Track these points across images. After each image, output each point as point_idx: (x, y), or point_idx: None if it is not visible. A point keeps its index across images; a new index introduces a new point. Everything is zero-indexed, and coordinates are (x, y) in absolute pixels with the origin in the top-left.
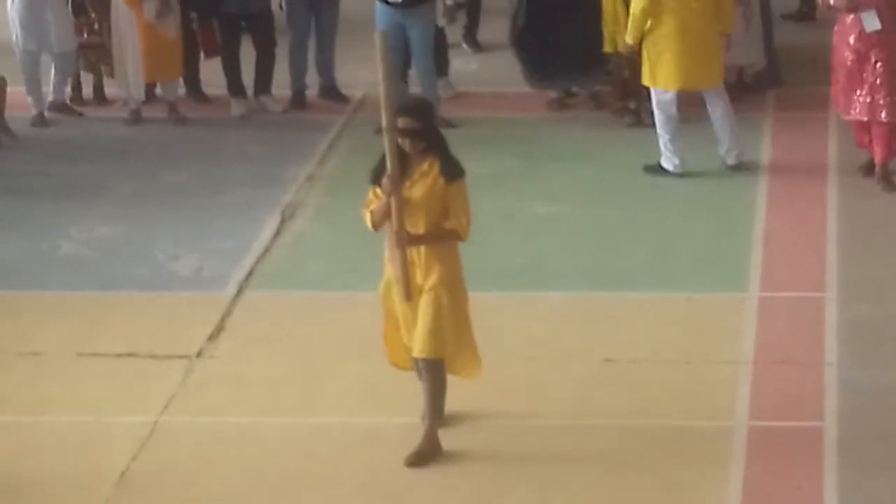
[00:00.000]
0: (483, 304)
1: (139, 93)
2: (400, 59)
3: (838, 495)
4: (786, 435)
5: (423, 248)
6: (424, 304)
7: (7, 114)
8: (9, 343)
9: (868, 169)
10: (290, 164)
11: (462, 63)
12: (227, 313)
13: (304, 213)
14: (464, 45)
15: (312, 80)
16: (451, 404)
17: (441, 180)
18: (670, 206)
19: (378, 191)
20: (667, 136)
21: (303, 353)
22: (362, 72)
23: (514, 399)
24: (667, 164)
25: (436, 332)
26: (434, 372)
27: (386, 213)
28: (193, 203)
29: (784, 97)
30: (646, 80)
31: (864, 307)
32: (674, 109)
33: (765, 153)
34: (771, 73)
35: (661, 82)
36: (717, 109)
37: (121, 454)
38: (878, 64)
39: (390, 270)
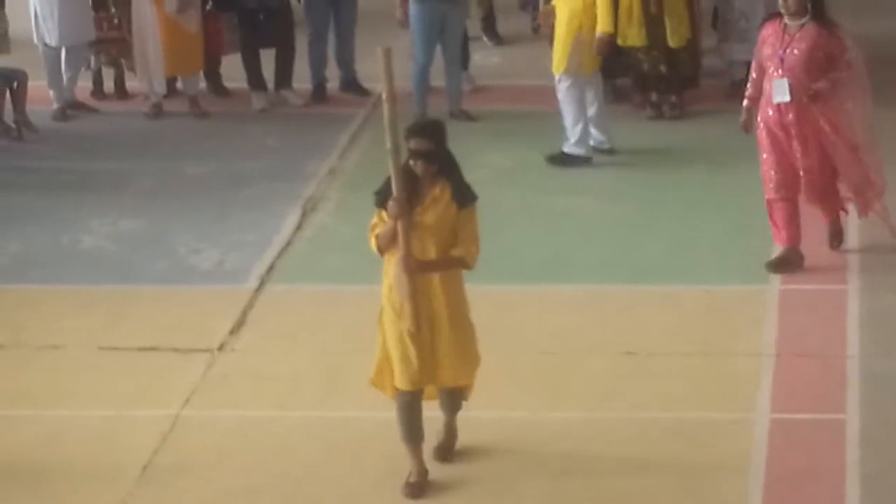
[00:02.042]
0: (503, 297)
1: (160, 87)
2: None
3: (860, 488)
4: (808, 427)
5: (436, 277)
6: (449, 336)
7: (28, 108)
8: (30, 336)
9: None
10: (312, 158)
11: (483, 56)
12: (249, 307)
13: (325, 206)
14: (484, 38)
15: (333, 74)
16: (472, 397)
17: (453, 206)
18: (690, 199)
19: (384, 214)
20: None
21: (324, 347)
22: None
23: (534, 392)
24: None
25: (467, 361)
26: (458, 393)
27: (393, 238)
28: (215, 197)
29: None
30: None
31: (886, 298)
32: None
33: None
34: None
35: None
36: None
37: (142, 447)
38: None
39: (392, 298)
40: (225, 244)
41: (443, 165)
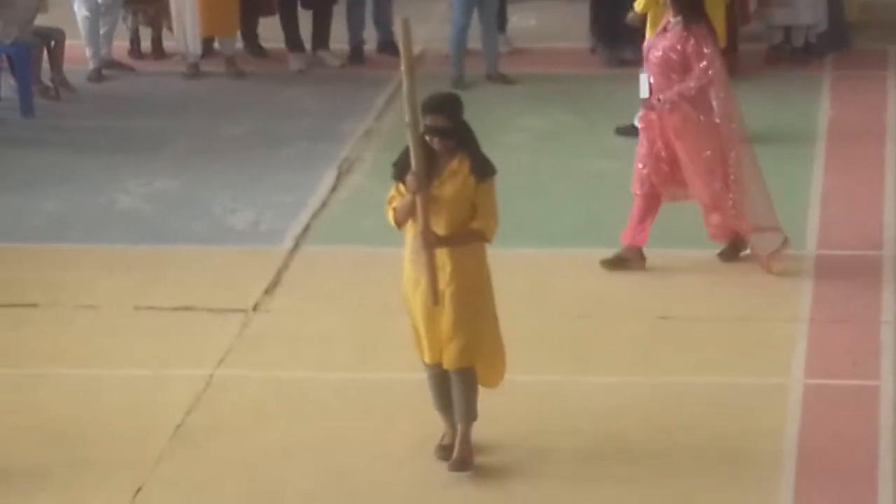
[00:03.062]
0: (538, 261)
1: (197, 47)
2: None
3: (894, 453)
4: (841, 393)
5: (448, 250)
6: (452, 311)
7: (66, 67)
8: (67, 296)
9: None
10: (348, 119)
11: (520, 19)
12: (284, 268)
13: (361, 168)
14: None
15: (370, 36)
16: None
17: (471, 179)
18: None
19: (402, 187)
20: None
21: (358, 308)
22: (420, 26)
23: (568, 356)
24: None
25: (467, 341)
26: (466, 379)
27: (410, 212)
28: (251, 157)
29: (844, 56)
30: None
31: None
32: None
33: (823, 112)
34: (834, 34)
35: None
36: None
37: (176, 407)
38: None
39: (410, 271)
40: (260, 205)
41: (460, 140)
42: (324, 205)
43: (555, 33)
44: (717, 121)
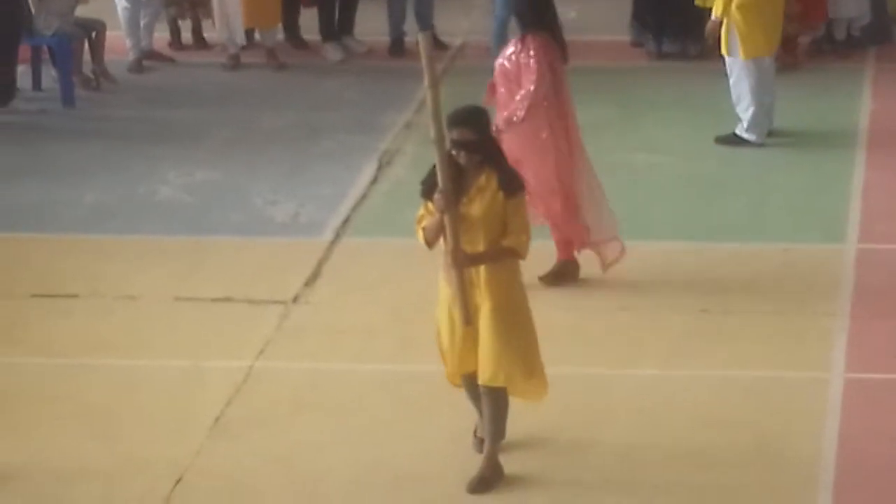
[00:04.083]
0: (581, 253)
1: (239, 38)
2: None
3: None
4: (882, 387)
5: (481, 268)
6: (488, 330)
7: (106, 58)
8: (107, 287)
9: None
10: (388, 111)
11: (560, 12)
12: (324, 259)
13: (401, 160)
14: None
15: (411, 28)
16: (542, 357)
17: (500, 195)
18: (769, 157)
19: (430, 206)
20: (756, 106)
21: (398, 300)
22: (461, 19)
23: (609, 348)
24: (748, 133)
25: (503, 360)
26: (498, 397)
27: (440, 231)
28: (291, 149)
29: (887, 50)
30: (734, 53)
31: None
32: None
33: (864, 105)
34: (877, 28)
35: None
36: None
37: (216, 399)
38: None
39: (445, 290)
40: (301, 196)
41: (487, 154)
42: (364, 197)
43: (595, 26)
44: (552, 137)
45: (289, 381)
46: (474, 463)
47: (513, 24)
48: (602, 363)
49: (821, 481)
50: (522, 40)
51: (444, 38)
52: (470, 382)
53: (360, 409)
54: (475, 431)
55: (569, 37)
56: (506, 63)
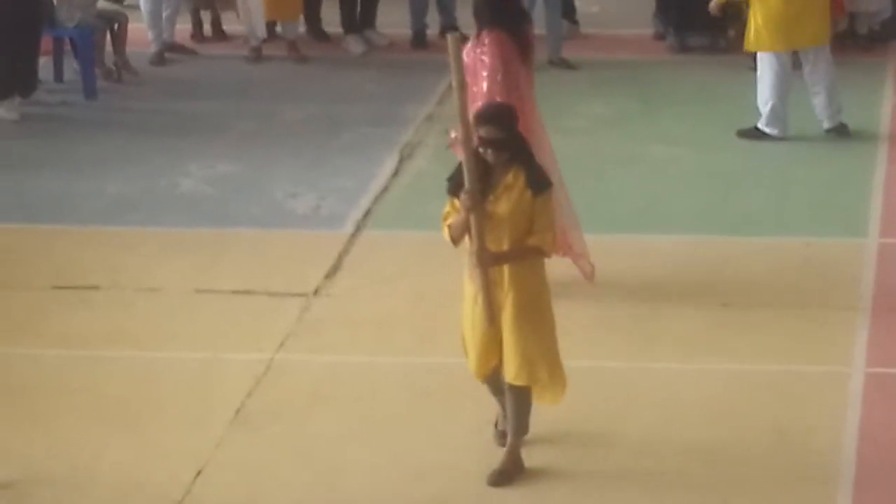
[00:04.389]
0: (600, 246)
1: (260, 31)
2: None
3: None
4: None
5: (505, 267)
6: (512, 328)
7: (128, 50)
8: (128, 279)
9: None
10: (410, 104)
11: (583, 4)
12: (345, 252)
13: (422, 152)
14: None
15: (433, 20)
16: (562, 349)
17: (527, 193)
18: (790, 151)
19: (456, 203)
20: (775, 100)
21: (418, 293)
22: None
23: (628, 341)
24: (769, 127)
25: (530, 359)
26: (522, 394)
27: (465, 229)
28: (312, 141)
29: None
30: (751, 46)
31: None
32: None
33: (886, 99)
34: None
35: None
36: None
37: (236, 391)
38: None
39: (470, 288)
40: (322, 189)
41: (514, 152)
42: (385, 189)
43: (617, 19)
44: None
45: (309, 373)
46: (494, 455)
47: (537, 17)
48: (622, 356)
49: (841, 476)
50: (478, 37)
51: (466, 31)
52: (492, 376)
53: (380, 401)
54: (496, 423)
55: (590, 31)
56: (467, 60)
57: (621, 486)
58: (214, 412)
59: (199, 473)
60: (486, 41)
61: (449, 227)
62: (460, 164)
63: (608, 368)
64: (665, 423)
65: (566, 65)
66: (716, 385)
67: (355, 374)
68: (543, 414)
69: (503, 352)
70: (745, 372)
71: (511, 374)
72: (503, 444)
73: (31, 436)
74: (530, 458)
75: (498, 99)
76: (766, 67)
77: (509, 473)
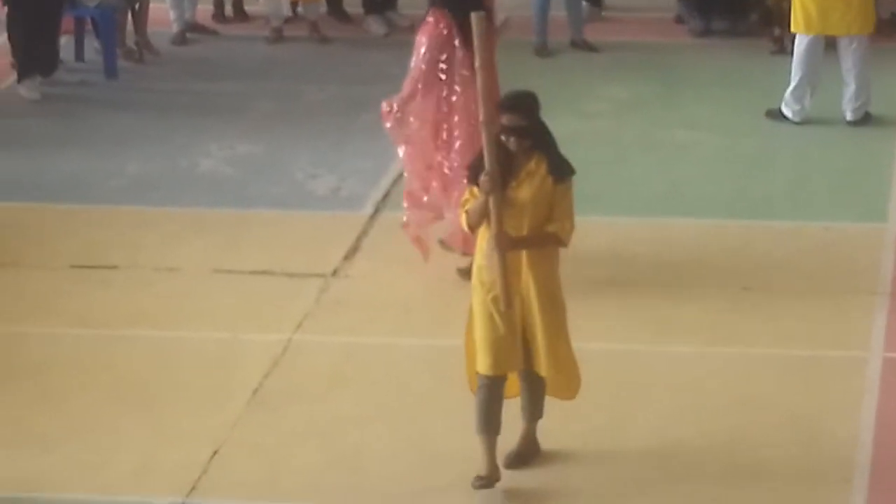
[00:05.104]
0: (620, 230)
1: (281, 11)
2: None
3: None
4: None
5: (524, 257)
6: (531, 316)
7: (150, 30)
8: (147, 258)
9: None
10: None
11: None
12: (364, 233)
13: None
14: None
15: None
16: (582, 332)
17: (549, 180)
18: (811, 135)
19: (475, 190)
20: (794, 82)
21: (437, 275)
22: None
23: (648, 325)
24: (786, 110)
25: (548, 348)
26: (541, 381)
27: (484, 214)
28: (333, 123)
29: None
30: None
31: None
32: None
33: None
34: None
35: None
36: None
37: (254, 371)
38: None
39: (479, 275)
40: (342, 170)
41: (537, 139)
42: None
43: (639, 2)
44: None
45: (327, 354)
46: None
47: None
48: (641, 340)
49: (857, 461)
50: (426, 15)
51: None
52: (490, 386)
53: (398, 383)
54: (478, 475)
55: (613, 14)
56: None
57: (638, 469)
58: (232, 392)
59: (215, 453)
60: (428, 20)
61: (467, 212)
62: (480, 153)
63: (627, 351)
64: (683, 406)
65: (588, 47)
66: (734, 369)
67: (374, 355)
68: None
69: (534, 345)
70: (764, 356)
71: (545, 365)
72: (483, 486)
73: (49, 414)
74: (546, 440)
75: (418, 79)
76: (797, 48)
77: (525, 456)
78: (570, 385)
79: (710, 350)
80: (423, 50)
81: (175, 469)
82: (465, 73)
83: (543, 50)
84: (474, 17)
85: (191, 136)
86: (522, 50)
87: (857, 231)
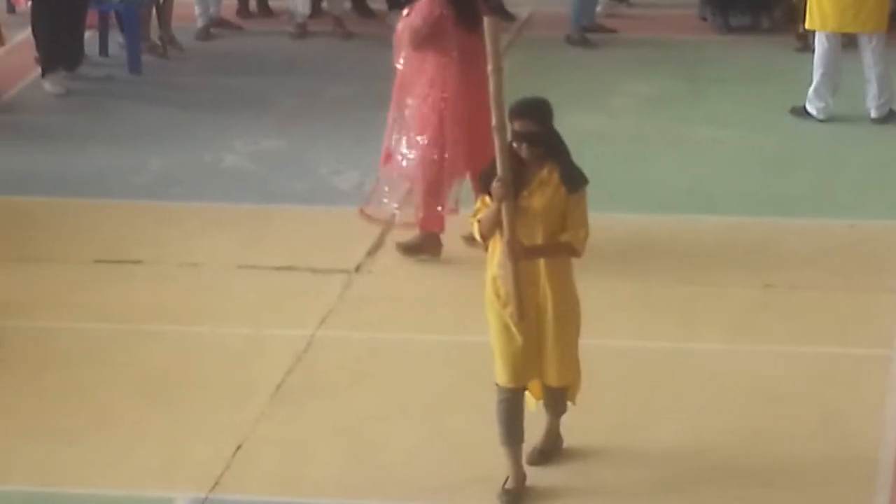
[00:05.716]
0: (644, 226)
1: (305, 7)
2: None
3: None
4: None
5: (541, 267)
6: (552, 329)
7: (174, 25)
8: (170, 254)
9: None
10: None
11: None
12: (387, 229)
13: None
14: None
15: None
16: (605, 330)
17: (562, 189)
18: (836, 132)
19: (487, 199)
20: (816, 80)
21: (461, 271)
22: None
23: (671, 322)
24: (810, 107)
25: (568, 363)
26: (562, 395)
27: (496, 222)
28: (356, 118)
29: None
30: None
31: None
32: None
33: None
34: None
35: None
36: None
37: (277, 366)
38: None
39: (493, 286)
40: (365, 166)
41: (549, 147)
42: None
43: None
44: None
45: (350, 350)
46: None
47: None
48: (665, 337)
49: (882, 459)
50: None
51: (511, 9)
52: (510, 399)
53: (421, 379)
54: (505, 482)
55: (637, 10)
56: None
57: (663, 466)
58: (255, 388)
59: (238, 448)
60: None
61: (479, 221)
62: (492, 162)
63: (651, 349)
64: (708, 403)
65: (605, 30)
66: (759, 366)
67: (397, 351)
68: (583, 394)
69: (543, 355)
70: (789, 354)
71: (554, 376)
72: (533, 462)
73: (73, 409)
74: (571, 437)
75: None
76: (817, 46)
77: (549, 452)
78: (576, 391)
79: (733, 347)
80: (418, 17)
81: (198, 464)
82: (468, 54)
83: (584, 40)
84: (487, 21)
85: (214, 132)
86: (548, 46)
87: (883, 228)
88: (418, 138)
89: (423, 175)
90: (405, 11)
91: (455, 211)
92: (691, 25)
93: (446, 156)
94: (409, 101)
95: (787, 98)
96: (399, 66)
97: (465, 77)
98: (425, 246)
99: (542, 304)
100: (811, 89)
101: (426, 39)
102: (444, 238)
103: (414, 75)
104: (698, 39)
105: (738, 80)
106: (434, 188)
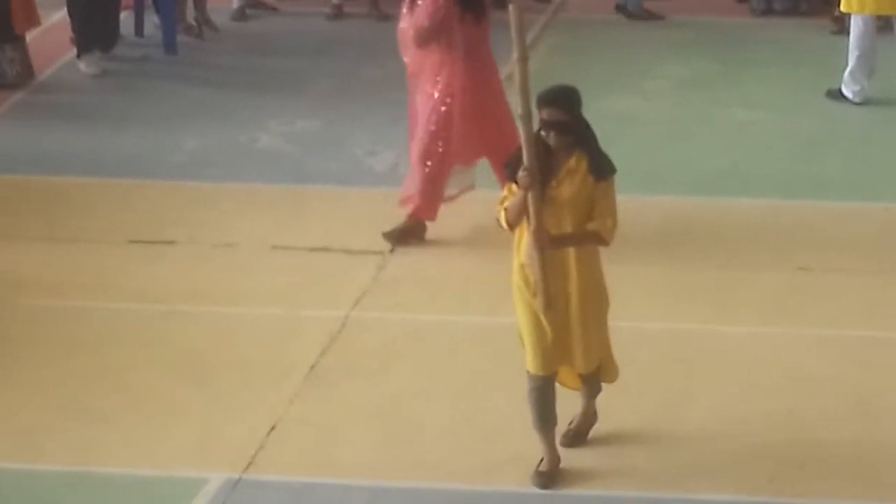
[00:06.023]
0: (678, 208)
1: None
2: None
3: None
4: None
5: (570, 256)
6: (582, 317)
7: (210, 6)
8: (205, 234)
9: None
10: None
11: None
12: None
13: None
14: None
15: None
16: (639, 312)
17: (590, 178)
18: (870, 115)
19: (514, 187)
20: (851, 63)
21: (495, 253)
22: None
23: (705, 304)
24: (846, 90)
25: (598, 346)
26: (596, 380)
27: (522, 211)
28: (392, 99)
29: None
30: (843, 5)
31: None
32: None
33: None
34: None
35: (852, 6)
36: None
37: (311, 347)
38: None
39: (521, 274)
40: (400, 147)
41: (578, 135)
42: None
43: None
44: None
45: (384, 331)
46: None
47: None
48: (699, 319)
49: None
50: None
51: None
52: (540, 387)
53: (455, 360)
54: (539, 464)
55: None
56: (401, 23)
57: (697, 447)
58: (289, 369)
59: (272, 429)
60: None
61: (505, 209)
62: (518, 150)
63: (685, 331)
64: (742, 386)
65: (651, 16)
66: (792, 349)
67: (431, 332)
68: (619, 375)
69: (574, 345)
70: (823, 337)
71: (581, 363)
72: (542, 486)
73: (107, 389)
74: (605, 419)
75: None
76: (852, 28)
77: (583, 434)
78: (609, 371)
79: (767, 330)
80: (436, 9)
81: (232, 444)
82: (476, 47)
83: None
84: (513, 8)
85: (250, 113)
86: (583, 29)
87: None
88: (429, 128)
89: (424, 164)
90: (404, 9)
91: (453, 198)
92: (726, 7)
93: (451, 148)
94: (417, 96)
95: (823, 81)
96: (406, 62)
97: (472, 72)
98: (414, 232)
99: (572, 291)
100: (847, 72)
101: (431, 37)
102: (475, 220)
103: (421, 71)
104: (735, 22)
105: (774, 63)
106: (435, 178)
